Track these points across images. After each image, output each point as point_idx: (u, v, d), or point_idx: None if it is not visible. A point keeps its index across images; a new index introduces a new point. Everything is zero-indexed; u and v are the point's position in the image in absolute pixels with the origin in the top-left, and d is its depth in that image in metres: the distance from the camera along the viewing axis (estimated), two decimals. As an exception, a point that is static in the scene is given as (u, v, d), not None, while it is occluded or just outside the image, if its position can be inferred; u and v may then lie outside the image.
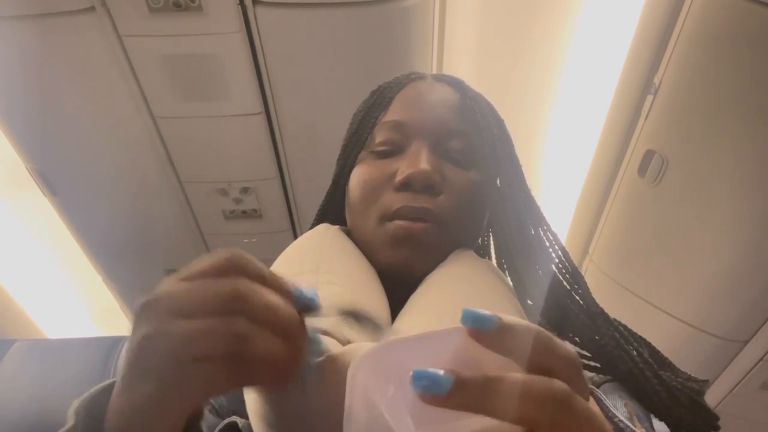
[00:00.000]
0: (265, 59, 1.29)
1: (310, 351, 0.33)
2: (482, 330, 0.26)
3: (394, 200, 0.54)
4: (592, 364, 0.52)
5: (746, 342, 1.47)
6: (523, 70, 1.45)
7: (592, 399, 0.29)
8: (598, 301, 0.53)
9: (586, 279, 0.54)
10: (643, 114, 1.31)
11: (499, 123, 0.60)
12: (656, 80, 1.24)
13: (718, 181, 1.23)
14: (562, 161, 1.62)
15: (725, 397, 1.63)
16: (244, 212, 1.72)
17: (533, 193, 0.58)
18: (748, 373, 1.54)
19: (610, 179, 1.53)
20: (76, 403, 0.34)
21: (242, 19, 1.21)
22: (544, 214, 0.56)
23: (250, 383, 0.31)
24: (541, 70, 1.43)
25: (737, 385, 1.59)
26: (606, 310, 0.53)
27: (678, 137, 1.26)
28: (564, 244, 0.55)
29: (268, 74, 1.33)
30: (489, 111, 0.60)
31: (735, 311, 1.42)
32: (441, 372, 0.24)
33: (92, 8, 1.17)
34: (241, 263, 0.31)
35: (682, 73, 1.18)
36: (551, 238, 0.55)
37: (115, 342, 0.90)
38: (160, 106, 1.40)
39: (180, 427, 0.32)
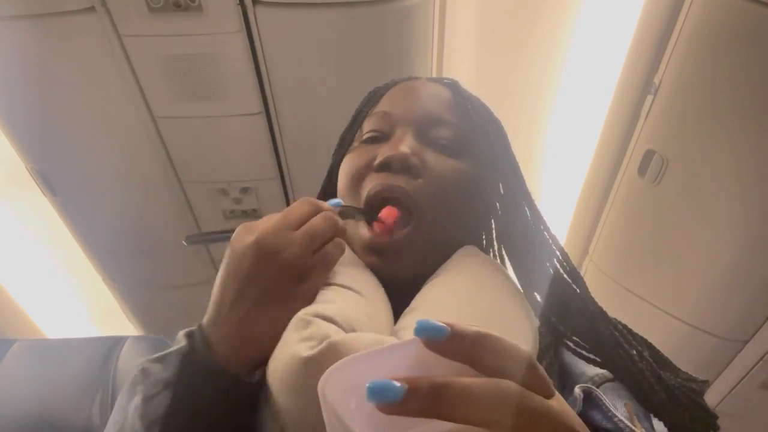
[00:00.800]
0: (265, 59, 1.29)
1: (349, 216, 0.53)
2: (436, 340, 0.27)
3: (371, 180, 0.54)
4: (593, 357, 0.52)
5: (746, 342, 1.47)
6: (523, 70, 1.45)
7: (559, 396, 0.29)
8: (597, 301, 0.53)
9: (586, 279, 0.54)
10: (643, 114, 1.31)
11: (495, 122, 0.60)
12: (656, 80, 1.24)
13: (717, 181, 1.23)
14: (562, 161, 1.62)
15: (725, 397, 1.63)
16: (244, 212, 1.72)
17: (533, 193, 0.58)
18: (748, 373, 1.53)
19: (610, 179, 1.53)
20: (181, 333, 0.46)
21: (242, 19, 1.21)
22: (542, 215, 0.57)
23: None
24: (541, 69, 1.43)
25: (737, 385, 1.59)
26: (606, 310, 0.53)
27: (678, 137, 1.26)
28: (563, 245, 0.55)
29: (268, 74, 1.33)
30: (483, 110, 0.60)
31: (735, 311, 1.42)
32: (394, 383, 0.25)
33: (92, 8, 1.17)
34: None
35: (682, 73, 1.18)
36: (550, 238, 0.55)
37: (115, 342, 0.90)
38: (160, 106, 1.40)
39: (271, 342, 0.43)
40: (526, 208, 0.56)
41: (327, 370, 0.29)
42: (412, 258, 0.53)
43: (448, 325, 0.27)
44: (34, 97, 1.34)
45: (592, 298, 0.53)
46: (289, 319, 0.43)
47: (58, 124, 1.41)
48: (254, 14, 1.20)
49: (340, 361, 0.29)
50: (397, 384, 0.25)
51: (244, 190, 1.64)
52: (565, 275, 0.54)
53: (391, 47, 1.30)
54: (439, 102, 0.59)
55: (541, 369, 0.28)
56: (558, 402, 0.28)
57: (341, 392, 0.28)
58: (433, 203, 0.54)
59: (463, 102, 0.59)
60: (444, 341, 0.27)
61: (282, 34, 1.25)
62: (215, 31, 1.23)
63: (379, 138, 0.58)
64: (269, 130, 1.47)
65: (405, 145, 0.54)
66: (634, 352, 0.49)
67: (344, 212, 0.51)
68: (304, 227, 0.45)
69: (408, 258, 0.53)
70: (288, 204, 0.42)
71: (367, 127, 0.59)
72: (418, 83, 0.62)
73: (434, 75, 1.47)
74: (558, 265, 0.54)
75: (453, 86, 0.62)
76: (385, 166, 0.54)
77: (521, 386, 0.26)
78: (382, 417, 0.26)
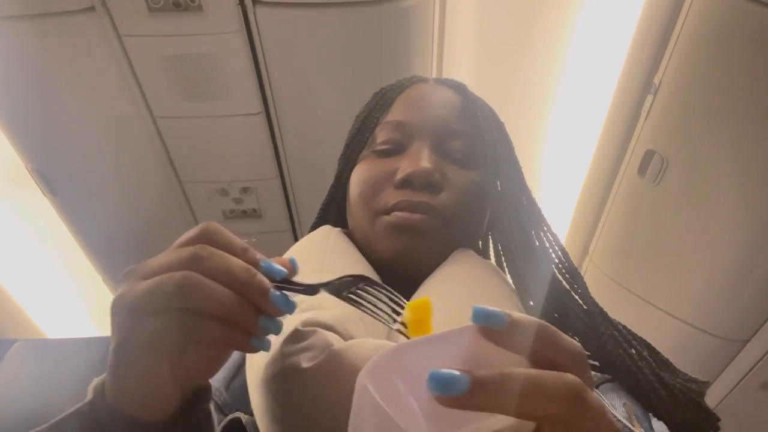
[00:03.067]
0: (265, 59, 1.29)
1: (271, 320, 0.33)
2: (494, 328, 0.26)
3: (393, 196, 0.54)
4: (592, 362, 0.52)
5: (746, 342, 1.47)
6: (524, 69, 1.45)
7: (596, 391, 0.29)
8: (597, 301, 0.53)
9: (586, 279, 0.55)
10: (643, 114, 1.31)
11: (500, 126, 0.60)
12: (656, 80, 1.24)
13: (717, 181, 1.23)
14: (562, 161, 1.62)
15: (725, 397, 1.63)
16: (244, 212, 1.72)
17: (533, 193, 0.58)
18: (748, 373, 1.53)
19: (610, 179, 1.53)
20: (95, 381, 0.36)
21: (242, 19, 1.21)
22: (545, 216, 0.57)
23: (203, 339, 0.31)
24: (541, 69, 1.43)
25: (737, 385, 1.59)
26: (606, 310, 0.53)
27: (678, 137, 1.26)
28: (563, 245, 0.55)
29: (268, 74, 1.33)
30: (490, 114, 0.60)
31: (735, 311, 1.42)
32: (457, 372, 0.23)
33: (92, 8, 1.17)
34: (211, 233, 0.33)
35: (682, 73, 1.18)
36: (551, 238, 0.55)
37: (115, 342, 0.90)
38: (160, 106, 1.40)
39: (168, 394, 0.33)
40: (529, 211, 0.56)
41: (371, 361, 0.26)
42: (432, 245, 0.53)
43: (505, 313, 0.26)
44: (34, 98, 1.34)
45: (593, 299, 0.53)
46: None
47: (58, 124, 1.41)
48: (254, 14, 1.20)
49: (384, 352, 0.26)
50: (459, 374, 0.23)
51: (244, 190, 1.64)
52: (566, 275, 0.54)
53: (391, 47, 1.30)
54: (451, 110, 0.59)
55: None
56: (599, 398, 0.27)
57: (388, 385, 0.25)
58: (454, 215, 0.54)
59: (471, 107, 0.59)
60: (504, 330, 0.25)
61: (282, 34, 1.25)
62: (215, 31, 1.23)
63: (395, 150, 0.57)
64: (269, 130, 1.47)
65: (425, 160, 0.54)
66: (634, 351, 0.49)
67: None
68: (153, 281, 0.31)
69: (429, 244, 0.53)
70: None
71: (381, 136, 0.59)
72: (428, 88, 0.61)
73: (434, 75, 1.47)
74: (559, 266, 0.54)
75: (461, 90, 0.61)
76: (407, 183, 0.54)
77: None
78: (437, 410, 0.23)
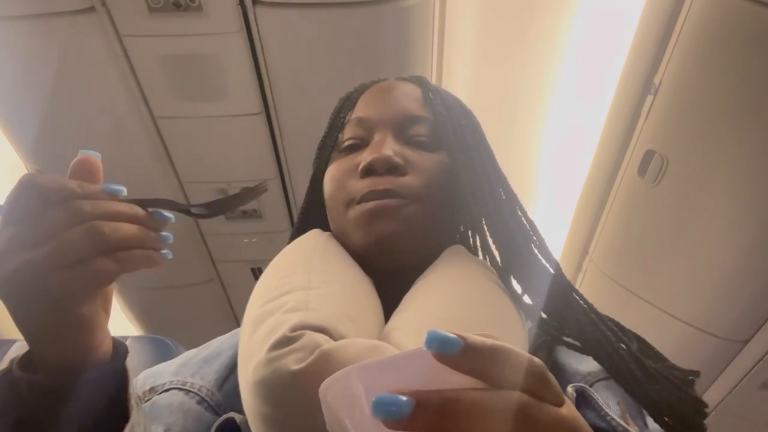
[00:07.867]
0: (265, 59, 1.29)
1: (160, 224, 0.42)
2: (448, 354, 0.26)
3: (359, 187, 0.54)
4: (573, 341, 0.52)
5: (746, 342, 1.47)
6: (524, 69, 1.45)
7: (569, 403, 0.29)
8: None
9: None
10: (643, 114, 1.31)
11: (466, 113, 0.61)
12: (656, 80, 1.24)
13: (717, 181, 1.23)
14: (562, 161, 1.62)
15: (725, 397, 1.63)
16: (244, 212, 1.72)
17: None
18: (748, 373, 1.54)
19: (610, 179, 1.53)
20: (13, 355, 0.43)
21: (242, 19, 1.21)
22: (518, 198, 0.56)
23: (124, 268, 0.38)
24: (541, 69, 1.43)
25: (737, 385, 1.59)
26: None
27: (678, 137, 1.26)
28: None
29: (268, 74, 1.33)
30: (453, 101, 0.61)
31: (735, 311, 1.42)
32: (401, 397, 0.24)
33: (92, 8, 1.17)
34: (40, 186, 0.39)
35: (682, 73, 1.18)
36: (526, 221, 0.55)
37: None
38: (160, 106, 1.40)
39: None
40: (502, 193, 0.56)
41: (329, 378, 0.27)
42: (410, 226, 0.53)
43: (460, 337, 0.26)
44: (34, 97, 1.34)
45: (564, 276, 0.52)
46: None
47: (58, 124, 1.41)
48: (254, 14, 1.20)
49: (343, 370, 0.27)
50: (404, 398, 0.24)
51: (244, 190, 1.64)
52: (541, 259, 0.53)
53: (391, 47, 1.30)
54: (411, 99, 0.60)
55: (553, 378, 0.28)
56: (568, 409, 0.28)
57: (344, 401, 0.27)
58: (422, 195, 0.54)
59: (432, 96, 0.60)
60: (457, 356, 0.26)
61: (282, 34, 1.25)
62: (215, 31, 1.23)
63: (359, 144, 0.59)
64: (269, 130, 1.47)
65: (387, 147, 0.55)
66: (609, 333, 0.49)
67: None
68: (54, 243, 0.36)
69: (406, 224, 0.53)
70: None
71: (346, 134, 0.60)
72: (387, 84, 0.63)
73: (434, 75, 1.47)
74: (534, 249, 0.54)
75: (421, 82, 0.63)
76: (369, 171, 0.54)
77: (533, 398, 0.26)
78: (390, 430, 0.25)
